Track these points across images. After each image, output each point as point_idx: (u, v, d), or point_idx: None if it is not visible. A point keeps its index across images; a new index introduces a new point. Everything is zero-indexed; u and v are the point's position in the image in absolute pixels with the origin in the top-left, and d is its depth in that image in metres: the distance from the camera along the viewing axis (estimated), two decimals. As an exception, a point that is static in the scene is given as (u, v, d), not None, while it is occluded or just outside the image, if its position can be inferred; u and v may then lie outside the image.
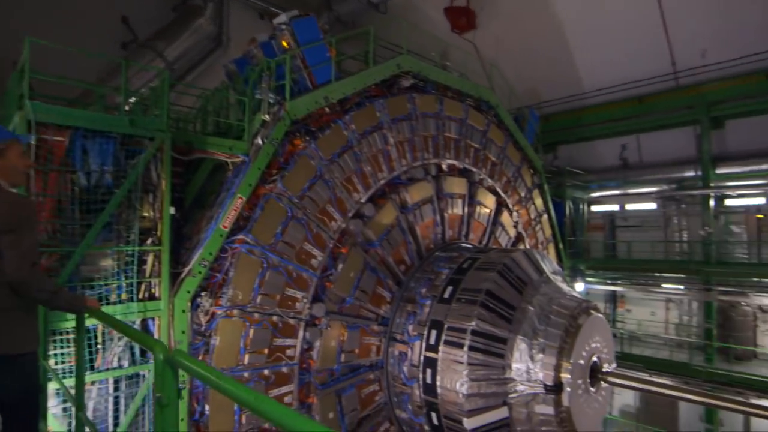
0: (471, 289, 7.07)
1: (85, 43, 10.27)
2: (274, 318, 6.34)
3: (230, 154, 6.29)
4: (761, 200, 13.34)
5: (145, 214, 5.30)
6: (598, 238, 16.48)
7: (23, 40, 4.86)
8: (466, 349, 6.54)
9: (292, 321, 6.53)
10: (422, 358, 7.06)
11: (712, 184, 12.80)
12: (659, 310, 15.66)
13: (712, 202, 12.96)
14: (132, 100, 6.58)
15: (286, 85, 6.63)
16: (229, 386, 1.56)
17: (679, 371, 11.82)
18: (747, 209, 14.39)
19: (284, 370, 6.42)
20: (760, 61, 11.86)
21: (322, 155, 6.95)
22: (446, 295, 7.31)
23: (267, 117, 6.51)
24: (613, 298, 16.54)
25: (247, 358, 6.03)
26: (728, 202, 13.68)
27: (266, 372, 6.20)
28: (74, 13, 11.55)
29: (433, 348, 6.97)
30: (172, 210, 5.44)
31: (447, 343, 6.80)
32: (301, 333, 6.62)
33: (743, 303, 12.88)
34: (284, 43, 7.22)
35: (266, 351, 6.21)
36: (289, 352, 6.48)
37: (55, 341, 4.61)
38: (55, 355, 4.51)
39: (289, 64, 6.62)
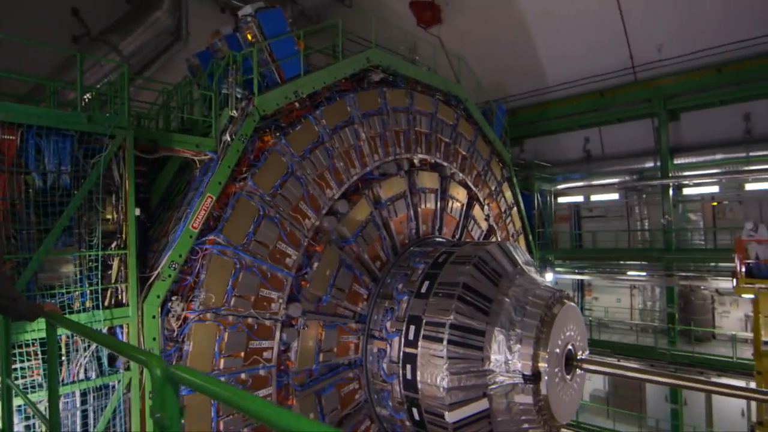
0: (448, 283, 7.07)
1: (33, 37, 9.66)
2: (249, 320, 6.14)
3: (197, 151, 6.03)
4: (715, 188, 14.00)
5: (108, 217, 4.99)
6: (564, 229, 16.92)
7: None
8: (445, 343, 6.54)
9: (267, 322, 6.35)
10: (401, 354, 7.02)
11: (670, 174, 13.34)
12: (624, 297, 16.26)
13: (671, 192, 13.52)
14: (87, 96, 6.19)
15: (253, 79, 6.41)
16: (244, 400, 1.41)
17: (645, 355, 12.30)
18: (702, 197, 15.09)
19: (262, 372, 6.24)
20: (712, 55, 12.42)
21: (293, 151, 6.77)
22: (423, 290, 7.28)
23: (235, 113, 6.27)
24: (580, 287, 17.05)
25: (222, 362, 5.81)
26: (686, 191, 14.31)
27: (243, 376, 6.00)
28: (20, 4, 10.85)
29: (412, 343, 6.93)
30: (137, 211, 5.15)
31: (426, 337, 6.78)
32: (277, 334, 6.45)
33: (702, 287, 13.52)
34: (249, 36, 6.98)
35: (242, 354, 6.01)
36: (266, 354, 6.30)
37: (15, 355, 4.28)
38: (16, 369, 4.19)
39: (256, 58, 6.40)
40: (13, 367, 4.27)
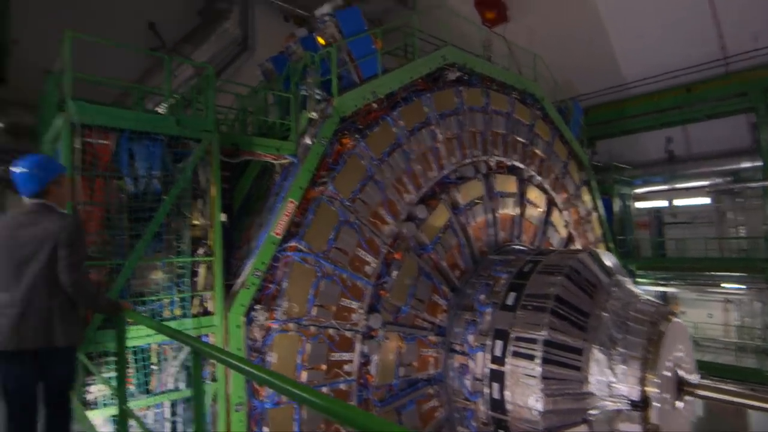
0: (537, 295, 6.50)
1: (113, 50, 10.04)
2: (330, 331, 5.86)
3: (278, 155, 5.85)
4: (825, 190, 12.39)
5: (195, 222, 4.87)
6: (644, 237, 15.61)
7: (61, 40, 4.49)
8: (538, 361, 5.97)
9: (348, 334, 6.05)
10: (487, 371, 6.50)
11: (773, 175, 11.93)
12: (717, 312, 14.71)
13: (773, 194, 12.09)
14: (170, 101, 6.18)
15: (332, 79, 6.17)
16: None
17: (747, 377, 10.97)
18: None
19: (342, 387, 5.93)
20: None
21: (372, 154, 6.47)
22: (509, 301, 6.74)
23: (314, 115, 6.06)
24: (663, 300, 15.66)
25: (305, 375, 5.56)
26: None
27: (325, 389, 5.71)
28: (102, 21, 11.36)
29: (498, 360, 6.40)
30: (222, 217, 5.01)
31: (515, 354, 6.23)
32: (358, 346, 6.13)
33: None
34: (321, 40, 6.79)
35: (324, 367, 5.73)
36: (346, 367, 5.99)
37: (108, 363, 4.20)
38: (109, 378, 4.10)
39: (335, 57, 6.17)
40: (107, 375, 4.19)
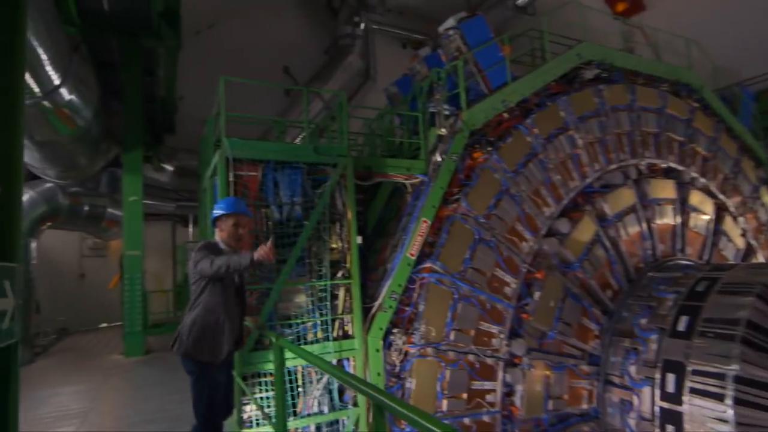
0: (720, 320, 5.39)
1: (255, 97, 11.19)
2: (470, 357, 5.51)
3: (409, 175, 5.78)
4: None
5: (333, 246, 4.97)
6: None
7: (216, 88, 4.97)
8: (729, 402, 4.89)
9: (489, 360, 5.62)
10: (657, 409, 5.53)
11: None
12: None
13: None
14: (304, 133, 6.57)
15: (460, 93, 5.97)
16: None
17: None
18: None
19: (486, 419, 5.50)
20: None
21: (506, 167, 6.06)
22: (680, 327, 5.70)
23: (443, 131, 5.89)
24: None
25: (445, 404, 5.26)
26: None
27: (467, 421, 5.35)
28: (247, 73, 12.83)
29: (672, 398, 5.40)
30: (358, 239, 5.04)
31: (695, 392, 5.20)
32: (500, 374, 5.67)
33: None
34: (443, 58, 6.64)
35: (465, 396, 5.37)
36: (489, 397, 5.56)
37: (260, 383, 4.41)
38: (261, 399, 4.29)
39: (461, 70, 5.97)
40: (259, 396, 4.37)
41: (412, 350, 5.18)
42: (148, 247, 8.06)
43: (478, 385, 5.51)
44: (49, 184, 7.39)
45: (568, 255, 6.34)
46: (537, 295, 6.00)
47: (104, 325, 12.28)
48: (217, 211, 3.12)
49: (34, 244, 7.01)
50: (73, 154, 5.61)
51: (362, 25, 13.60)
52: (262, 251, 2.77)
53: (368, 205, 6.36)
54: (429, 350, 5.25)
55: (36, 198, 6.95)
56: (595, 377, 6.32)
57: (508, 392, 5.81)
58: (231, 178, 4.46)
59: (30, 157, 5.51)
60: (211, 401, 2.77)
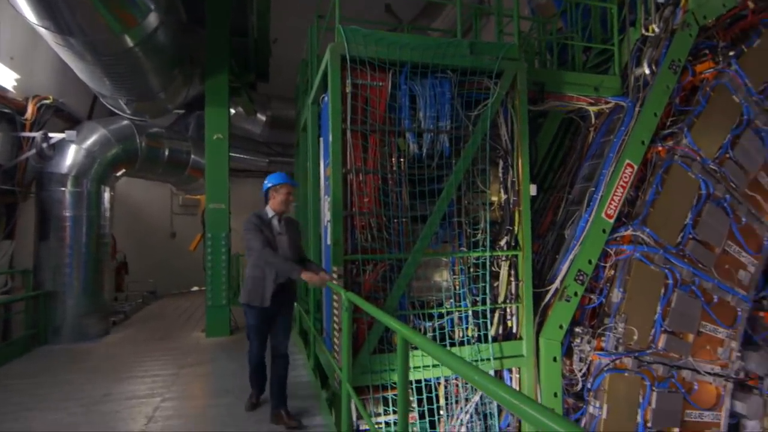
0: None
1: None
2: (685, 374, 3.64)
3: (598, 98, 3.83)
4: None
5: (494, 199, 3.26)
6: None
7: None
8: None
9: (710, 380, 3.72)
10: None
11: None
12: None
13: None
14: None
15: (681, -32, 3.81)
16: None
17: None
18: None
19: (704, 466, 3.67)
20: None
21: (751, 85, 3.88)
22: None
23: (655, 28, 3.82)
24: None
25: (649, 442, 3.49)
26: None
27: (680, 470, 3.55)
28: (347, 11, 11.17)
29: None
30: (532, 189, 3.28)
31: None
32: (727, 401, 3.76)
33: None
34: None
35: (676, 431, 3.55)
36: (709, 433, 3.70)
37: (384, 400, 2.92)
38: (382, 424, 2.82)
39: (685, -68, 3.78)
40: (380, 419, 2.90)
41: (604, 360, 3.41)
42: (236, 206, 6.88)
43: (695, 415, 3.66)
44: (125, 122, 6.40)
45: (837, 225, 4.11)
46: (786, 284, 3.92)
47: (196, 288, 11.72)
48: (270, 183, 3.16)
49: (107, 194, 6.02)
50: (140, 71, 4.39)
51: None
52: (315, 278, 2.83)
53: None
54: (628, 361, 3.45)
55: (107, 137, 5.92)
56: None
57: (734, 427, 3.91)
58: (348, 89, 2.87)
59: (90, 75, 4.37)
60: (261, 337, 3.19)
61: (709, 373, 3.73)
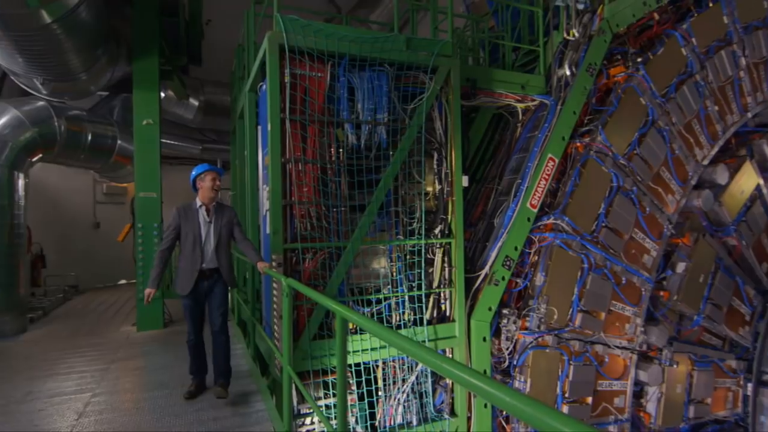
0: None
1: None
2: (598, 348, 4.05)
3: (523, 95, 4.10)
4: None
5: (428, 189, 3.42)
6: None
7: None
8: None
9: (619, 353, 4.16)
10: None
11: None
12: None
13: None
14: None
15: (599, -21, 4.15)
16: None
17: None
18: None
19: (612, 429, 4.10)
20: None
21: (654, 88, 4.33)
22: None
23: (575, 32, 4.14)
24: None
25: (565, 410, 3.84)
26: None
27: (593, 434, 3.94)
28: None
29: None
30: (464, 181, 3.47)
31: None
32: (632, 371, 4.22)
33: None
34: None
35: (589, 400, 3.95)
36: (617, 400, 4.14)
37: (325, 384, 3.01)
38: (324, 407, 2.92)
39: (603, -54, 4.12)
40: (322, 402, 3.00)
41: (528, 339, 3.71)
42: (168, 195, 6.56)
43: (605, 385, 4.08)
44: (41, 103, 5.86)
45: (723, 214, 4.71)
46: (681, 267, 4.44)
47: (123, 281, 11.08)
48: (195, 173, 3.30)
49: (21, 181, 5.48)
50: (59, 50, 4.04)
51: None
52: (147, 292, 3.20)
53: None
54: (549, 339, 3.78)
55: (20, 119, 5.39)
56: (743, 375, 4.86)
57: (638, 394, 4.40)
58: (287, 78, 2.88)
59: (0, 51, 3.96)
60: (193, 318, 3.33)
61: (618, 347, 4.16)
